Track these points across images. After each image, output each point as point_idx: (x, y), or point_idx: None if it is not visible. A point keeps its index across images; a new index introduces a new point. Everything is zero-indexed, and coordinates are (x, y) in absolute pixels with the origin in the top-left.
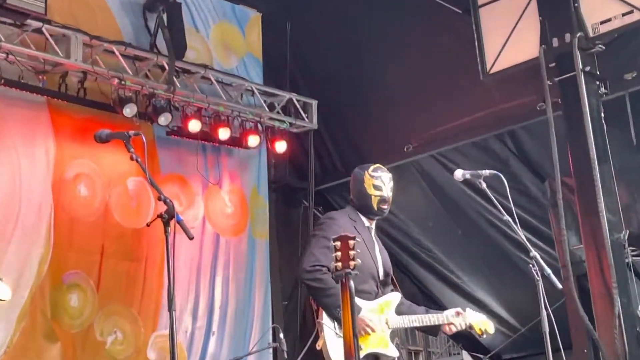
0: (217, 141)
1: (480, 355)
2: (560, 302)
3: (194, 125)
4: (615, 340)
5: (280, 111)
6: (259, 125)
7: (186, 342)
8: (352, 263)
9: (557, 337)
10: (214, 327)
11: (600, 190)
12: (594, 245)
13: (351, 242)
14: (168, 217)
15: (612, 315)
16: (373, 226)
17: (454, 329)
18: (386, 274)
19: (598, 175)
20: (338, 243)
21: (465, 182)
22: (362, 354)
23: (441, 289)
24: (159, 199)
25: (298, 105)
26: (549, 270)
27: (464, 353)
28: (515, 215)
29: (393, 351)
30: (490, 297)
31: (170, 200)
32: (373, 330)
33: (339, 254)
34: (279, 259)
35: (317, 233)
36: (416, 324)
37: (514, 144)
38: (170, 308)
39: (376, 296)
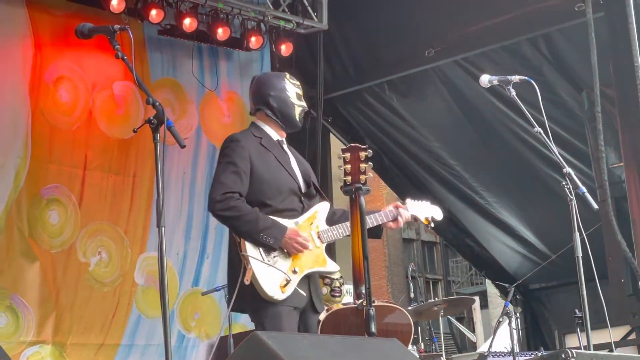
0: (215, 42)
1: (506, 285)
2: (595, 227)
3: (189, 24)
4: None
5: (286, 9)
6: (262, 25)
7: (178, 265)
8: (362, 177)
9: (592, 264)
10: (209, 250)
11: None
12: (635, 164)
13: (362, 154)
14: (157, 122)
15: None
16: (284, 139)
17: (393, 226)
18: (308, 185)
19: None
20: (347, 154)
21: (492, 89)
22: (298, 277)
23: (463, 210)
24: (147, 102)
25: (306, 3)
26: (583, 189)
27: (488, 282)
28: (547, 128)
29: (332, 266)
30: (518, 220)
31: (160, 104)
32: (304, 249)
33: (348, 167)
34: None
35: (222, 160)
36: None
37: (548, 49)
38: (160, 224)
39: (302, 212)
